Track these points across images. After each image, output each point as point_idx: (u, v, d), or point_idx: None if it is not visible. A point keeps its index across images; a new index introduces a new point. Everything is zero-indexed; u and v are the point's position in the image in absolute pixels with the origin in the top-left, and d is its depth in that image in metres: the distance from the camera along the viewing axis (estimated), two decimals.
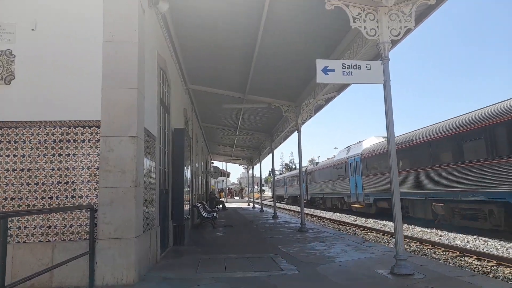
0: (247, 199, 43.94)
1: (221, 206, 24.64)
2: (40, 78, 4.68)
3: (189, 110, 12.25)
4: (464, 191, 12.99)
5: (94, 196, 4.56)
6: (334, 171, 27.21)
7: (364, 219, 20.65)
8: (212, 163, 36.48)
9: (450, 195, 13.76)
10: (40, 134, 4.59)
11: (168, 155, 7.61)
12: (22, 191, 4.50)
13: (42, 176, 4.54)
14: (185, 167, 8.63)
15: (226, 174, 44.44)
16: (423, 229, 14.75)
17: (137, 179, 4.64)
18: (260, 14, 6.50)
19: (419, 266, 5.46)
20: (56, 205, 4.51)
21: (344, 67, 5.31)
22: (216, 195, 27.42)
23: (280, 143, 21.62)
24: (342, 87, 10.82)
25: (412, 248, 10.64)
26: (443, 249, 10.15)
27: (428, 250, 10.31)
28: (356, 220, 20.18)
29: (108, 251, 4.42)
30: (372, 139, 23.61)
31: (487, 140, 11.93)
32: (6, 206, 4.46)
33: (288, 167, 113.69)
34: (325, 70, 5.27)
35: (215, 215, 12.69)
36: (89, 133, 4.66)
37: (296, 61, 8.55)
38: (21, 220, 4.45)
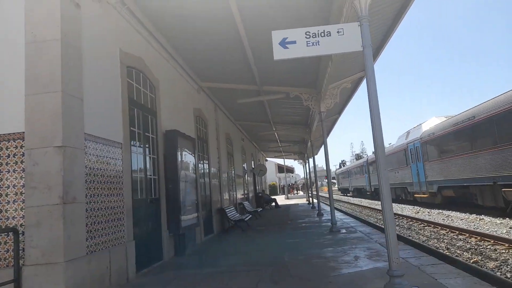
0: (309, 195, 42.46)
1: (274, 204, 23.92)
2: None
3: (208, 109, 11.68)
4: None
5: (21, 217, 4.09)
6: (394, 159, 24.89)
7: (428, 210, 18.48)
8: (266, 160, 35.94)
9: None
10: None
11: (157, 161, 7.04)
12: None
13: None
14: (188, 171, 8.03)
15: (285, 170, 43.56)
16: (492, 219, 12.54)
17: (65, 194, 4.06)
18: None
19: (429, 281, 4.17)
20: None
21: (308, 36, 4.21)
22: (267, 194, 26.70)
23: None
24: None
25: (468, 245, 8.88)
26: (506, 245, 8.28)
27: (489, 246, 8.51)
28: (418, 213, 18.12)
29: (35, 278, 3.91)
30: (433, 119, 21.07)
31: None
32: None
33: (359, 157, 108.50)
34: (284, 43, 4.22)
35: (245, 218, 11.96)
36: (13, 147, 4.19)
37: None
38: None
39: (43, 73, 4.22)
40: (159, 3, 6.37)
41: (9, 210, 4.11)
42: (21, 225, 4.06)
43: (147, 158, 6.66)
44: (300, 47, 4.20)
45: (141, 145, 6.46)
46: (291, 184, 64.69)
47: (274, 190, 56.29)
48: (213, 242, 9.38)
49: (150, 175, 6.72)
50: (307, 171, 31.10)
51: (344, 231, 9.56)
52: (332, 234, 9.09)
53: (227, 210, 11.73)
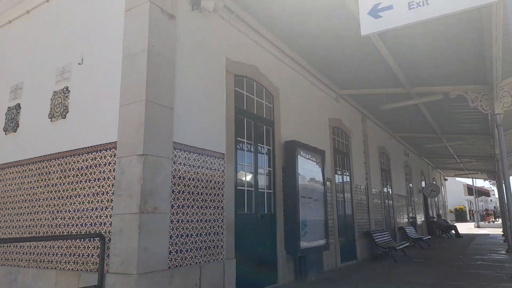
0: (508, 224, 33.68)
1: (453, 232, 20.05)
2: (85, 108, 4.85)
3: (352, 119, 10.62)
4: None
5: (109, 224, 4.20)
6: None
7: None
8: (446, 179, 31.07)
9: None
10: (79, 161, 4.69)
11: (273, 174, 6.52)
12: (65, 218, 4.67)
13: (78, 203, 4.58)
14: (315, 187, 7.26)
15: (474, 191, 36.46)
16: None
17: (143, 203, 3.96)
18: None
19: None
20: (84, 232, 4.43)
21: None
22: (443, 219, 22.62)
23: None
24: None
25: None
26: None
27: None
28: None
29: (113, 287, 3.90)
30: None
31: None
32: (58, 231, 4.73)
33: None
34: (375, 12, 3.10)
35: (398, 246, 10.12)
36: (109, 156, 4.40)
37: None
38: (62, 247, 4.59)
39: (133, 84, 4.33)
40: (273, 7, 5.98)
41: (102, 217, 4.30)
42: (109, 231, 4.17)
43: (260, 170, 6.22)
44: (399, 13, 3.02)
45: (252, 157, 6.08)
46: (486, 210, 53.93)
47: (461, 215, 47.98)
48: (349, 270, 8.15)
49: (263, 189, 6.25)
50: (504, 194, 24.82)
51: None
52: None
53: (375, 235, 10.19)
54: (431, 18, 2.93)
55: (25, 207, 5.23)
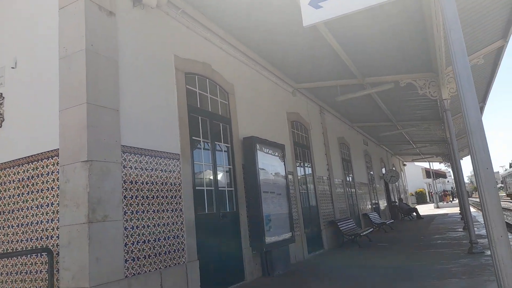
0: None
1: (415, 214, 20.89)
2: (22, 115, 4.52)
3: (310, 112, 10.71)
4: None
5: (57, 237, 3.94)
6: None
7: None
8: (404, 165, 32.32)
9: None
10: (20, 172, 4.38)
11: (233, 171, 6.44)
12: (8, 234, 4.35)
13: (21, 217, 4.27)
14: (276, 181, 7.24)
15: (432, 174, 38.25)
16: None
17: (92, 212, 3.74)
18: None
19: None
20: (30, 247, 4.13)
21: None
22: (406, 203, 23.54)
23: None
24: (507, 26, 7.05)
25: None
26: None
27: None
28: None
29: None
30: None
31: None
32: (2, 250, 4.38)
33: None
34: (316, 2, 3.08)
35: (362, 232, 10.36)
36: (52, 165, 4.13)
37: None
38: (7, 266, 4.27)
39: (72, 86, 4.07)
40: (221, 1, 5.84)
41: (48, 229, 4.03)
42: (57, 245, 3.91)
43: (219, 168, 6.11)
44: (338, 3, 3.01)
45: (210, 155, 5.96)
46: (444, 191, 56.81)
47: (421, 198, 50.18)
48: (316, 260, 8.24)
49: (223, 187, 6.14)
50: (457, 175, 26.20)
51: (489, 252, 7.18)
52: (470, 257, 6.91)
53: (340, 223, 10.37)
54: (369, 6, 2.93)
55: None
